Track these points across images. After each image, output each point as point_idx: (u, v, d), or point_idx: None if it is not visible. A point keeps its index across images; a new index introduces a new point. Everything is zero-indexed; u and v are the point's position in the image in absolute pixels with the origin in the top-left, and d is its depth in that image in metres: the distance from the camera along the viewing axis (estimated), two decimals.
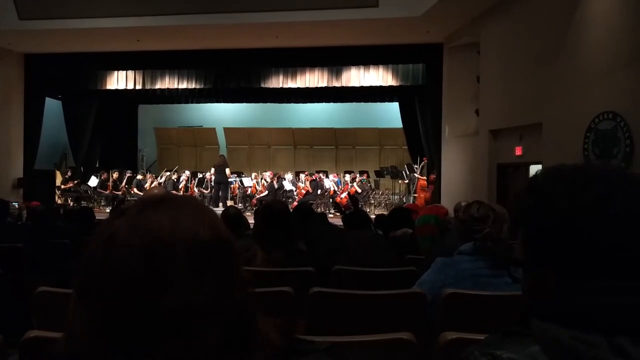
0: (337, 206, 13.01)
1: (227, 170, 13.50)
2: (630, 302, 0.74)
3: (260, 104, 16.70)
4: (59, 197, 14.34)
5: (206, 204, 0.80)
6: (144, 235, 0.70)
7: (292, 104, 16.75)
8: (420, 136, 12.83)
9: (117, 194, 13.71)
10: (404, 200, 13.80)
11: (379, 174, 15.11)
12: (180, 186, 14.01)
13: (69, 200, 13.98)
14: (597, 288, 0.76)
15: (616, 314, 0.73)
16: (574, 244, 0.79)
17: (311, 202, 12.39)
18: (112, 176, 14.35)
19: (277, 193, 13.27)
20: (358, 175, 14.28)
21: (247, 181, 14.08)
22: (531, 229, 0.86)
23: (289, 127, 17.79)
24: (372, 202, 13.66)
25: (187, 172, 14.67)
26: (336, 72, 13.09)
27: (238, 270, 0.75)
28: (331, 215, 11.58)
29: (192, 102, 16.59)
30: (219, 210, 9.21)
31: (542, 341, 0.75)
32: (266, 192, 13.46)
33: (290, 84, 13.38)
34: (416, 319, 2.23)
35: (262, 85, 13.55)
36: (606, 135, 6.39)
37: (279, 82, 13.41)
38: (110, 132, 15.60)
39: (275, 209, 3.08)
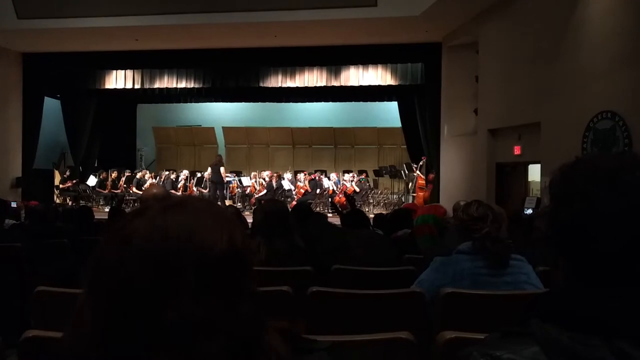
0: (334, 206, 12.99)
1: (222, 170, 13.43)
2: (632, 306, 0.74)
3: (259, 103, 16.70)
4: (57, 197, 14.33)
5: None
6: (159, 243, 0.69)
7: (291, 104, 16.76)
8: (419, 135, 12.83)
9: (116, 193, 13.70)
10: (403, 200, 13.81)
11: (378, 173, 15.11)
12: (179, 185, 14.00)
13: (68, 200, 13.98)
14: (599, 292, 0.76)
15: (617, 318, 0.73)
16: (581, 249, 0.79)
17: (310, 201, 12.38)
18: (111, 175, 14.33)
19: (275, 192, 13.27)
20: (356, 175, 14.28)
21: (246, 180, 14.07)
22: (549, 222, 0.85)
23: (288, 127, 17.78)
24: (371, 201, 13.66)
25: (185, 172, 14.64)
26: (335, 71, 13.09)
27: (248, 283, 0.74)
28: (330, 215, 11.57)
29: (190, 102, 16.58)
30: None
31: (542, 342, 0.75)
32: (265, 191, 13.45)
33: (289, 83, 13.38)
34: (415, 318, 2.23)
35: (261, 85, 13.55)
36: (605, 135, 6.40)
37: (277, 81, 13.41)
38: (109, 132, 15.59)
39: (274, 206, 3.12)
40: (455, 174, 11.07)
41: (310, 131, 17.60)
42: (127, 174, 14.45)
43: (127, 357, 0.67)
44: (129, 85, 13.87)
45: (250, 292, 0.74)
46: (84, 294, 0.72)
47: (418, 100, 12.77)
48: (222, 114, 18.03)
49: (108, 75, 13.89)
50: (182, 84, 13.76)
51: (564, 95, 7.26)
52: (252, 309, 0.72)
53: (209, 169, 13.76)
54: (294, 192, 13.59)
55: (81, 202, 13.27)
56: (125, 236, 0.71)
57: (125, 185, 14.06)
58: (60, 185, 14.37)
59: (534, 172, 9.11)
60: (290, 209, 4.29)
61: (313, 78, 13.20)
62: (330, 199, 13.34)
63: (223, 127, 18.00)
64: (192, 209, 0.75)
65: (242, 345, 0.69)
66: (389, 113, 15.75)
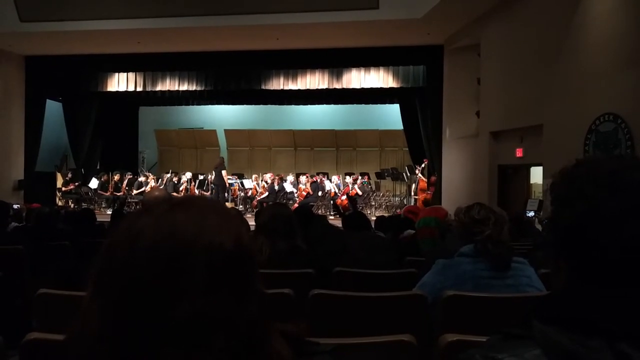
0: (337, 208, 13.00)
1: (224, 172, 13.44)
2: (633, 308, 0.73)
3: (261, 106, 16.71)
4: (59, 199, 14.35)
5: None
6: (167, 240, 0.69)
7: (293, 106, 16.77)
8: (421, 138, 12.83)
9: (118, 196, 13.72)
10: (405, 202, 13.79)
11: (380, 175, 15.12)
12: (180, 188, 14.01)
13: (70, 202, 13.99)
14: (600, 294, 0.76)
15: (619, 319, 0.73)
16: (583, 251, 0.79)
17: (312, 204, 12.40)
18: (114, 178, 14.35)
19: (277, 195, 13.26)
20: (359, 177, 14.28)
21: (248, 183, 14.07)
22: (550, 224, 0.85)
23: (290, 129, 17.80)
24: (373, 203, 13.65)
25: (187, 174, 14.62)
26: (337, 73, 13.10)
27: (254, 282, 0.74)
28: (331, 217, 11.57)
29: (192, 104, 16.62)
30: None
31: (543, 344, 0.75)
32: (267, 193, 13.45)
33: (291, 85, 13.40)
34: (417, 321, 2.23)
35: (263, 87, 13.58)
36: (607, 137, 6.39)
37: (279, 83, 13.43)
38: (111, 134, 15.62)
39: (279, 210, 3.14)
40: (457, 176, 11.06)
41: (312, 133, 17.62)
42: (129, 176, 14.47)
43: (132, 356, 0.66)
44: (131, 88, 13.90)
45: (256, 291, 0.74)
46: (90, 294, 0.71)
47: (420, 103, 12.77)
48: (224, 116, 18.06)
49: (110, 77, 13.93)
50: (184, 87, 13.80)
51: (566, 97, 7.26)
52: (258, 308, 0.72)
53: (213, 172, 13.76)
54: (295, 195, 13.59)
55: (83, 204, 13.28)
56: (133, 235, 0.71)
57: (127, 188, 14.07)
58: (63, 188, 14.39)
59: (536, 175, 9.10)
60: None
61: (315, 80, 13.22)
62: (332, 201, 13.35)
63: (225, 130, 18.03)
64: (197, 208, 0.75)
65: (247, 344, 0.69)
66: (390, 115, 15.76)
